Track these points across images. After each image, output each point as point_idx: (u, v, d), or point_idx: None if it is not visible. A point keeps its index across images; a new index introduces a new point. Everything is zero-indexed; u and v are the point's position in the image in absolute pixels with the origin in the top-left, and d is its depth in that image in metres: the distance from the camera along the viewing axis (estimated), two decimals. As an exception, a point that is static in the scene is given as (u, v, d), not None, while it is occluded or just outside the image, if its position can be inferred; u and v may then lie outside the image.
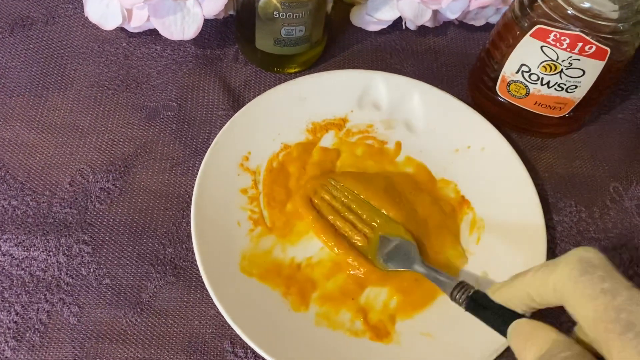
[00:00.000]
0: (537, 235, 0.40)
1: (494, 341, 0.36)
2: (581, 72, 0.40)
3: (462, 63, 0.50)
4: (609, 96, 0.49)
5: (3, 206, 0.40)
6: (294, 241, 0.40)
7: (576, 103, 0.43)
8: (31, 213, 0.40)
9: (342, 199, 0.41)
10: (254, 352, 0.36)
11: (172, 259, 0.39)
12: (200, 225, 0.38)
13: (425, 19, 0.48)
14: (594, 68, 0.40)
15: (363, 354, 0.36)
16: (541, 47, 0.39)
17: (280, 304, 0.37)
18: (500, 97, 0.45)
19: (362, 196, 0.41)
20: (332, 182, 0.41)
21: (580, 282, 0.25)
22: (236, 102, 0.46)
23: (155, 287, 0.38)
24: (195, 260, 0.37)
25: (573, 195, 0.44)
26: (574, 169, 0.46)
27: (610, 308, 0.23)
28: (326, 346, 0.36)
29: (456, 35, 0.52)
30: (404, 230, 0.39)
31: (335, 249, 0.39)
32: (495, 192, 0.42)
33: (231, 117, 0.43)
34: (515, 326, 0.28)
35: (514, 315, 0.29)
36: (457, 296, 0.32)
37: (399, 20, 0.49)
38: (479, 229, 0.41)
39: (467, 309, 0.32)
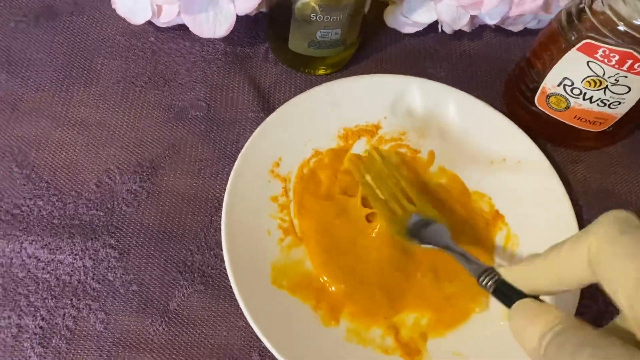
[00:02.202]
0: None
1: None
2: (627, 89, 0.39)
3: (497, 69, 0.49)
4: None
5: (29, 206, 0.39)
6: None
7: (617, 119, 0.41)
8: (57, 214, 0.39)
9: (388, 171, 0.39)
10: (283, 366, 0.35)
11: (200, 266, 0.38)
12: (231, 233, 0.37)
13: (463, 24, 0.46)
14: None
15: (393, 372, 0.35)
16: (587, 62, 0.38)
17: (310, 317, 0.36)
18: (538, 108, 0.43)
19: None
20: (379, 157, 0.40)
21: (618, 242, 0.22)
22: (266, 103, 0.45)
23: (183, 295, 0.37)
24: (224, 269, 0.36)
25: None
26: (608, 185, 0.45)
27: None
28: (356, 363, 0.35)
29: (492, 40, 0.50)
30: (439, 215, 0.38)
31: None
32: (530, 207, 0.41)
33: (261, 119, 0.42)
34: (518, 304, 0.25)
35: None
36: (485, 281, 0.30)
37: (433, 23, 0.48)
38: (513, 246, 0.40)
39: (494, 294, 0.29)
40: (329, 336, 0.36)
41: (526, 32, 0.49)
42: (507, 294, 0.28)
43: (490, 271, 0.30)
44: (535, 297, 0.27)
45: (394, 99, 0.44)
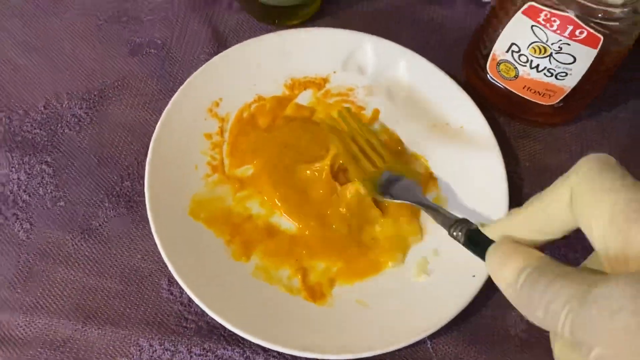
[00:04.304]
0: (498, 222, 0.38)
1: (425, 322, 0.35)
2: (572, 59, 0.38)
3: (463, 39, 0.48)
4: (614, 93, 0.46)
5: (-24, 119, 0.41)
6: (251, 196, 0.39)
7: (567, 92, 0.40)
8: (1, 129, 0.41)
9: (359, 130, 0.40)
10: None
11: (127, 193, 0.39)
12: (156, 161, 0.38)
13: (428, -14, 0.46)
14: (585, 56, 0.37)
15: (294, 311, 0.36)
16: (532, 26, 0.37)
17: (221, 251, 0.37)
18: (491, 76, 0.43)
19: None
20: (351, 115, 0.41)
21: (598, 179, 0.22)
22: (222, 47, 0.45)
23: (106, 216, 0.39)
24: (148, 197, 0.37)
25: (550, 189, 0.42)
26: (559, 162, 0.44)
27: (633, 200, 0.21)
28: (258, 298, 0.36)
29: (463, 9, 0.49)
30: (410, 171, 0.38)
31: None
32: (464, 173, 0.40)
33: (211, 61, 0.43)
34: (497, 244, 0.25)
35: None
36: (455, 232, 0.29)
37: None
38: (440, 208, 0.40)
39: (464, 244, 0.29)
40: (237, 270, 0.37)
41: (499, 3, 0.48)
42: (479, 243, 0.27)
43: (461, 222, 0.29)
44: None
45: (347, 55, 0.44)
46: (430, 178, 0.41)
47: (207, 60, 0.44)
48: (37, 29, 0.46)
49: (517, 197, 0.41)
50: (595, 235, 0.22)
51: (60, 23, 0.46)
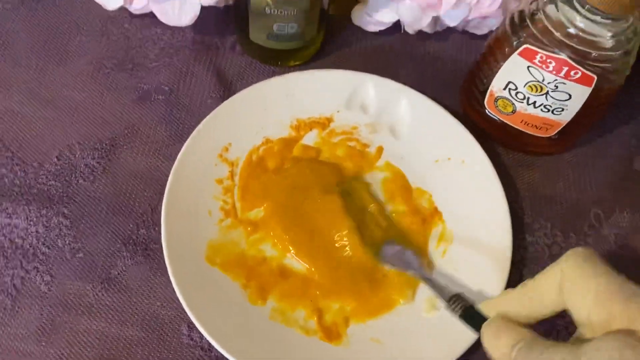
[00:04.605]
0: (503, 256, 0.40)
1: (438, 356, 0.36)
2: (567, 96, 0.39)
3: (459, 71, 0.49)
4: (603, 119, 0.48)
5: (-8, 173, 0.42)
6: (264, 238, 0.41)
7: (563, 125, 0.42)
8: (18, 182, 0.42)
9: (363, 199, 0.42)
10: (208, 339, 0.37)
11: (144, 240, 0.41)
12: (171, 209, 0.39)
13: (423, 25, 0.47)
14: (580, 93, 0.39)
15: (311, 353, 0.37)
16: (528, 67, 0.39)
17: (238, 295, 0.38)
18: (489, 111, 0.44)
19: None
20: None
21: (583, 267, 0.27)
22: (227, 91, 0.47)
23: (124, 265, 0.40)
24: (164, 244, 0.39)
25: (550, 217, 0.44)
26: (556, 190, 0.45)
27: (613, 282, 0.26)
28: (276, 341, 0.37)
29: (457, 42, 0.51)
30: (413, 243, 0.41)
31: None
32: (467, 206, 0.42)
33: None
34: (492, 320, 0.30)
35: None
36: (453, 305, 0.34)
37: (399, 23, 0.49)
38: (446, 242, 0.41)
39: (460, 318, 0.33)
40: (255, 314, 0.38)
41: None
42: (475, 318, 0.32)
43: (458, 297, 0.34)
44: None
45: (349, 94, 0.46)
46: (435, 212, 0.42)
47: (214, 104, 0.46)
48: (44, 79, 0.47)
49: (519, 227, 0.43)
50: (582, 312, 0.27)
51: (67, 72, 0.47)
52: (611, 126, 0.48)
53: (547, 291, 0.29)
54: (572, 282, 0.27)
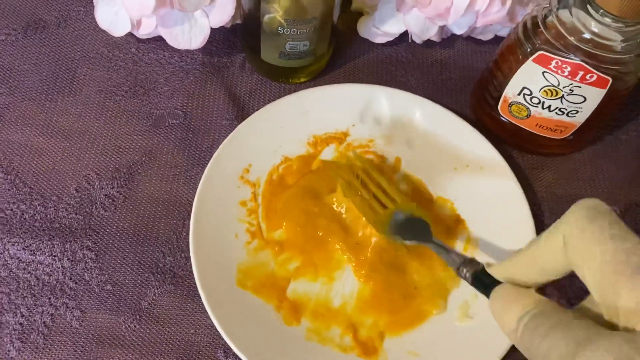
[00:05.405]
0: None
1: (478, 364, 0.37)
2: (582, 99, 0.40)
3: (468, 77, 0.50)
4: (619, 117, 0.49)
5: (12, 210, 0.41)
6: (291, 257, 0.41)
7: (577, 127, 0.43)
8: (38, 217, 0.41)
9: (368, 174, 0.42)
10: (245, 363, 0.37)
11: (171, 268, 0.40)
12: (199, 236, 0.39)
13: (431, 34, 0.48)
14: (595, 95, 0.40)
15: (350, 370, 0.37)
16: (543, 72, 0.40)
17: (272, 317, 0.38)
18: (502, 116, 0.45)
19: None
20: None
21: (588, 229, 0.23)
22: (241, 111, 0.47)
23: (154, 294, 0.39)
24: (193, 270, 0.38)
25: (570, 217, 0.44)
26: (572, 190, 0.46)
27: (619, 251, 0.22)
28: (315, 360, 0.37)
29: (463, 48, 0.52)
30: (419, 209, 0.39)
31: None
32: (490, 212, 0.42)
33: (235, 126, 0.44)
34: (498, 289, 0.27)
35: None
36: (463, 272, 0.31)
37: (406, 33, 0.49)
38: (472, 250, 0.42)
39: (472, 284, 0.30)
40: (290, 335, 0.38)
41: (497, 40, 0.50)
42: (486, 283, 0.28)
43: (469, 261, 0.31)
44: None
45: (363, 107, 0.46)
46: (458, 221, 0.43)
47: (229, 125, 0.46)
48: (55, 111, 0.46)
49: (539, 229, 0.43)
50: (589, 282, 0.23)
51: (78, 102, 0.46)
52: (623, 122, 0.49)
53: (551, 254, 0.25)
54: (574, 248, 0.24)
